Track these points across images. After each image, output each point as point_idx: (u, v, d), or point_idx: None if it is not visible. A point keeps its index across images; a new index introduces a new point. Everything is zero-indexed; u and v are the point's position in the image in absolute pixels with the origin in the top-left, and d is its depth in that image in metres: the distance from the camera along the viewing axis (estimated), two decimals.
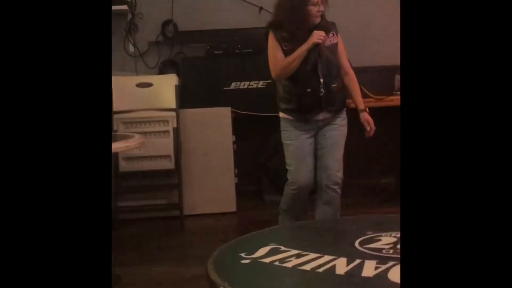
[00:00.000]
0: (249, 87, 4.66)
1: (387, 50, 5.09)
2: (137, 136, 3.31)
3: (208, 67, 4.75)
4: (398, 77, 4.85)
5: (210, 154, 4.53)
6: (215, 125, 4.53)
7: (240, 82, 4.70)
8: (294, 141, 3.37)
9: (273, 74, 3.33)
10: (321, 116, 3.35)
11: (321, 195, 3.41)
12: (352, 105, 3.56)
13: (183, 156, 4.44)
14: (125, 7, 4.76)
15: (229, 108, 4.55)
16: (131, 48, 4.97)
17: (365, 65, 5.04)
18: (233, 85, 4.70)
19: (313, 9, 3.23)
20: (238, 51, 4.73)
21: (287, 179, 3.43)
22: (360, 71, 4.92)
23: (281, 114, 3.44)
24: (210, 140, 4.53)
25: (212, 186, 4.53)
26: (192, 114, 4.52)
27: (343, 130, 3.42)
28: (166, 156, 4.39)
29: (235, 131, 4.58)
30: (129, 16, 4.91)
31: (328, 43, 3.32)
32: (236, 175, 4.60)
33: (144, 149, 3.97)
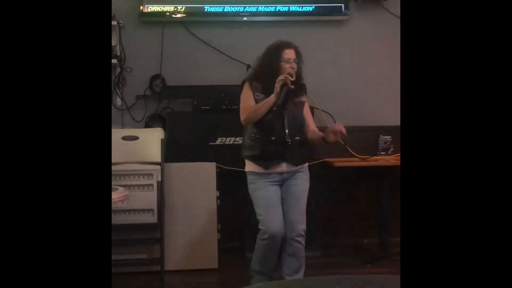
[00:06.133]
0: (235, 142, 4.67)
1: (372, 111, 5.17)
2: (121, 189, 3.29)
3: (195, 122, 4.77)
4: (382, 138, 4.91)
5: (194, 209, 4.50)
6: (199, 179, 4.51)
7: (226, 137, 4.71)
8: (262, 191, 3.52)
9: (242, 117, 3.51)
10: (283, 167, 3.52)
11: (286, 248, 3.53)
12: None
13: (166, 210, 4.41)
14: (114, 60, 4.82)
15: (214, 163, 4.55)
16: (119, 101, 4.99)
17: (350, 125, 5.09)
18: (218, 141, 4.72)
19: (286, 66, 3.47)
20: (224, 107, 4.77)
21: (258, 230, 3.52)
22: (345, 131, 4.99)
23: (246, 168, 3.61)
24: (194, 195, 4.50)
25: (195, 241, 4.48)
26: (177, 168, 4.51)
27: (306, 185, 3.61)
28: (149, 210, 4.35)
29: (219, 186, 4.57)
30: (118, 69, 4.95)
31: (296, 99, 3.54)
32: (219, 231, 4.56)
33: (127, 202, 3.94)
